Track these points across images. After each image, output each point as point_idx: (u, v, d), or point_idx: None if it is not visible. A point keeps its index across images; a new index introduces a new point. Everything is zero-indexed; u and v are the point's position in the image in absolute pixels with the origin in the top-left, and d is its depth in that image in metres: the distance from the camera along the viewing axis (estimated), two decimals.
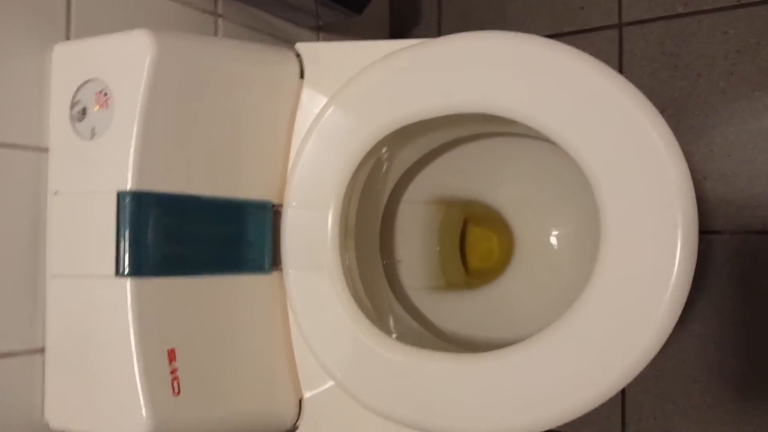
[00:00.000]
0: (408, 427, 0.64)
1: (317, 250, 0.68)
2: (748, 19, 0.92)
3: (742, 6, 0.93)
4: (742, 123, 0.92)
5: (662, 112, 0.97)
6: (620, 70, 1.01)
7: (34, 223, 0.65)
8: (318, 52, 0.73)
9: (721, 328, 0.92)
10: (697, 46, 0.95)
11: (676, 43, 0.97)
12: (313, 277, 0.68)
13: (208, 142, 0.65)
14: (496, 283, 0.90)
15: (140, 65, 0.60)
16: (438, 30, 1.19)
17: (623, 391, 0.96)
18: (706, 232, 0.93)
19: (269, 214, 0.70)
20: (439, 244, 0.94)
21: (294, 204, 0.70)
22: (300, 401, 0.71)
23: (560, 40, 0.60)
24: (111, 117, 0.61)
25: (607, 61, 0.98)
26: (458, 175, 0.90)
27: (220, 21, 0.85)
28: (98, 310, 0.60)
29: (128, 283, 0.59)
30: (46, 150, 0.66)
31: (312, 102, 0.72)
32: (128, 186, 0.59)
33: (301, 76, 0.73)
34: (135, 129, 0.59)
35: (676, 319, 0.53)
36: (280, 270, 0.70)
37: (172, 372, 0.60)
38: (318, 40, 1.00)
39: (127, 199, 0.59)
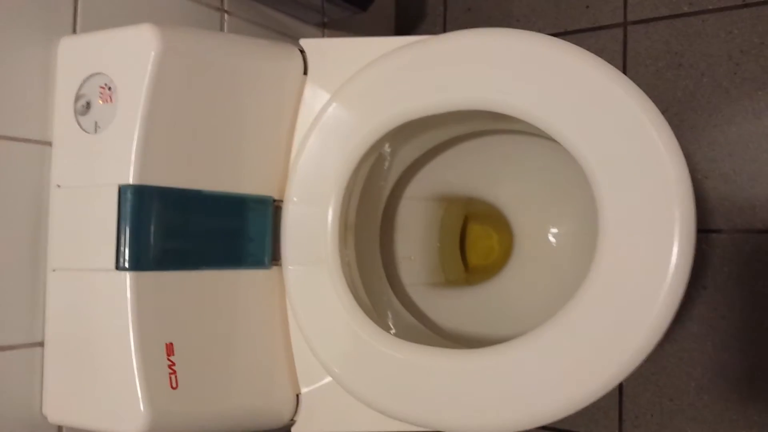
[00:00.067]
0: (405, 422, 0.64)
1: (317, 245, 0.68)
2: (753, 19, 0.92)
3: (747, 6, 0.92)
4: (745, 122, 0.92)
5: (665, 110, 0.98)
6: (624, 69, 1.01)
7: (36, 217, 0.65)
8: (321, 49, 0.73)
9: (719, 326, 0.92)
10: (702, 46, 0.95)
11: (681, 42, 0.97)
12: (313, 272, 0.68)
13: (210, 136, 0.66)
14: (495, 280, 0.90)
15: (144, 60, 0.60)
16: (443, 27, 1.19)
17: (621, 388, 0.96)
18: (706, 230, 0.93)
19: (270, 209, 0.71)
20: (440, 241, 0.94)
21: (295, 199, 0.70)
22: (297, 396, 0.71)
23: (565, 38, 0.60)
24: (114, 111, 0.61)
25: (612, 60, 0.99)
26: (459, 172, 0.90)
27: (226, 17, 0.85)
28: (98, 304, 0.61)
29: (128, 277, 0.59)
30: (49, 143, 0.66)
31: (315, 98, 0.72)
32: (130, 180, 0.59)
33: (305, 72, 0.72)
34: (138, 123, 0.59)
35: (673, 315, 0.53)
36: (280, 265, 0.71)
37: (170, 366, 0.60)
38: (323, 36, 1.00)
39: (129, 193, 0.59)
